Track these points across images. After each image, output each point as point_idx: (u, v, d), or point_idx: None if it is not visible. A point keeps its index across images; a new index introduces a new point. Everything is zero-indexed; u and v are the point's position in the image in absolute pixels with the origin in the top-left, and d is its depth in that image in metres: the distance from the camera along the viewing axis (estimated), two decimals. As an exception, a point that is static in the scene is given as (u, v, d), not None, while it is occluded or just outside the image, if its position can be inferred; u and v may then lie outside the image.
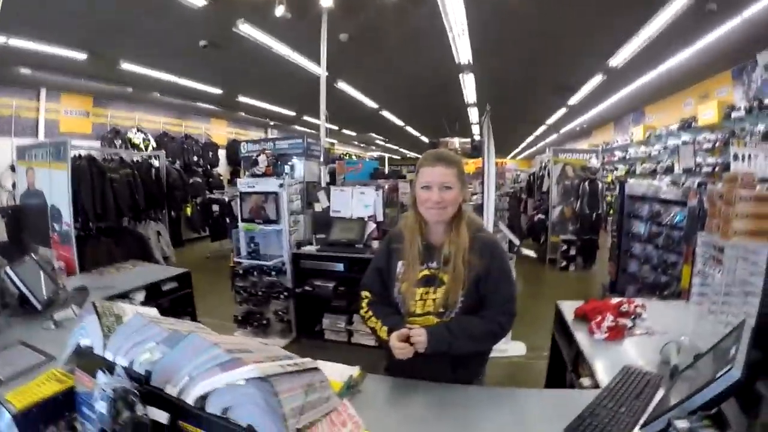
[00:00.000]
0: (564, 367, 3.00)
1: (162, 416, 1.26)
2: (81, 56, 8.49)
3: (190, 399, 1.22)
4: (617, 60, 8.98)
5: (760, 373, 1.59)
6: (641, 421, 1.60)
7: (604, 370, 2.20)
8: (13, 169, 8.72)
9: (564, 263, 10.27)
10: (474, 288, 2.11)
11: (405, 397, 1.96)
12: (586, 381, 2.34)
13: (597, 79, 10.73)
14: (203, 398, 1.21)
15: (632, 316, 2.78)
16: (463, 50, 8.23)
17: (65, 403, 1.67)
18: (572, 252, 10.27)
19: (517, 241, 5.92)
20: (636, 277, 7.07)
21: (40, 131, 10.61)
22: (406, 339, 2.00)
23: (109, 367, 1.39)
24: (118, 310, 1.72)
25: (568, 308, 3.07)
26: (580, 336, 2.67)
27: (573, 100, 13.38)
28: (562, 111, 15.33)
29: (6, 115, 9.89)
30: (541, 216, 11.30)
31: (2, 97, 9.73)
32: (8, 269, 3.01)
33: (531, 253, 6.91)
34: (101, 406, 1.28)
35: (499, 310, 2.11)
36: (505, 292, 2.15)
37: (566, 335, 2.94)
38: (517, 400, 1.95)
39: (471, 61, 8.92)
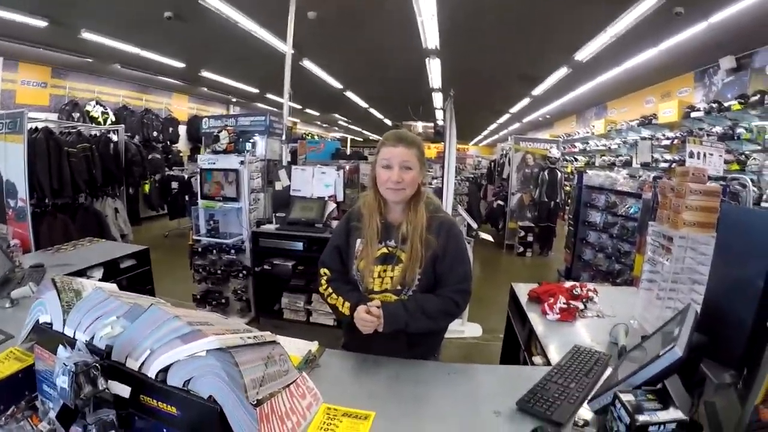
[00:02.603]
0: (518, 346, 3.09)
1: (124, 390, 1.27)
2: (41, 23, 8.23)
3: (151, 372, 1.24)
4: (583, 54, 9.06)
5: (702, 356, 1.69)
6: (590, 396, 1.67)
7: (555, 349, 2.28)
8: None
9: (521, 249, 10.45)
10: (430, 267, 2.15)
11: (363, 371, 1.99)
12: (538, 359, 2.41)
13: (562, 72, 10.83)
14: (164, 371, 1.23)
15: (584, 300, 2.86)
16: (431, 35, 8.21)
17: (25, 382, 1.66)
18: (529, 238, 10.46)
19: (475, 225, 5.99)
20: (590, 265, 7.25)
21: (-5, 101, 10.30)
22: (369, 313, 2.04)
23: (70, 342, 1.39)
24: (78, 286, 1.71)
25: (522, 290, 3.16)
26: (534, 317, 2.75)
27: (537, 91, 13.47)
28: (526, 101, 15.43)
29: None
30: (500, 202, 11.45)
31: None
32: (-38, 246, 2.96)
33: (488, 237, 7.00)
34: (63, 381, 1.28)
35: (455, 288, 2.15)
36: (461, 272, 2.18)
37: (520, 316, 3.02)
38: (472, 375, 2.01)
39: (438, 47, 8.91)
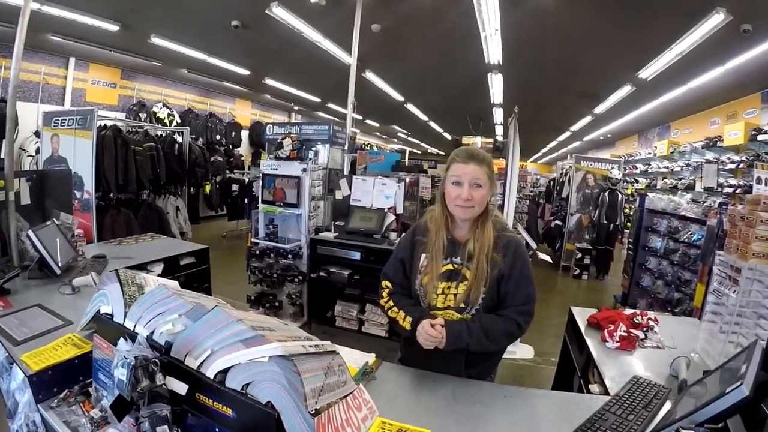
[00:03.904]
0: (572, 371, 3.03)
1: (180, 387, 1.28)
2: (113, 28, 8.51)
3: (209, 372, 1.25)
4: (647, 72, 8.87)
5: (765, 396, 1.60)
6: (648, 431, 1.61)
7: (613, 378, 2.21)
8: (37, 134, 8.80)
9: (577, 271, 10.20)
10: (495, 286, 2.13)
11: (418, 387, 1.97)
12: (595, 387, 2.35)
13: (625, 90, 10.62)
14: (223, 373, 1.23)
15: (644, 329, 2.77)
16: (493, 50, 8.17)
17: (81, 368, 1.72)
18: (586, 261, 10.20)
19: (534, 245, 5.91)
20: (648, 292, 7.04)
21: (67, 99, 10.67)
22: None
23: (131, 336, 1.41)
24: (141, 280, 1.75)
25: (581, 315, 3.07)
26: (592, 343, 2.68)
27: (599, 109, 13.26)
28: (588, 119, 15.18)
29: (34, 82, 9.95)
30: (558, 222, 11.24)
31: (31, 64, 9.77)
32: (30, 232, 3.06)
33: (547, 258, 6.87)
34: (121, 373, 1.30)
35: (518, 310, 2.12)
36: (525, 293, 2.14)
37: (578, 341, 2.95)
38: (529, 399, 1.96)
39: (501, 62, 8.86)
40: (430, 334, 2.00)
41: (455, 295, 2.14)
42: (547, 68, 9.94)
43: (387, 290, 2.30)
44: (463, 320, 2.10)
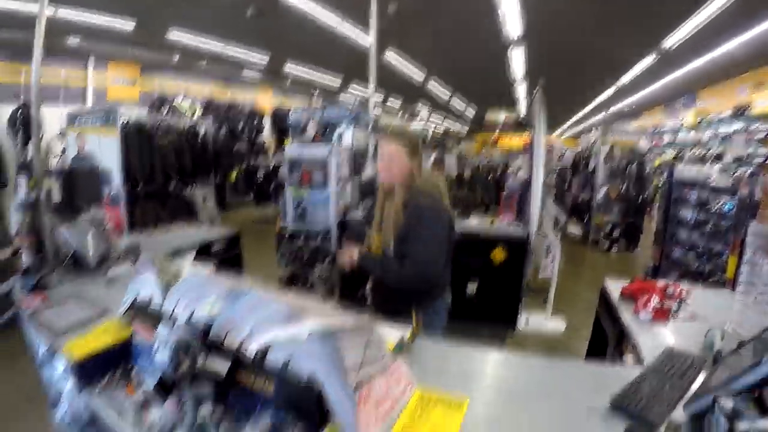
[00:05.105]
0: (604, 344, 3.02)
1: (222, 367, 1.30)
2: (129, 25, 8.57)
3: (250, 351, 1.26)
4: (671, 41, 8.73)
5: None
6: (683, 401, 1.60)
7: (647, 350, 2.19)
8: (62, 135, 8.92)
9: (607, 245, 10.10)
10: (398, 244, 2.59)
11: (455, 357, 1.98)
12: (629, 358, 2.34)
13: (649, 60, 10.46)
14: (264, 351, 1.24)
15: (677, 300, 2.75)
16: (513, 23, 8.08)
17: (121, 354, 1.74)
18: (616, 234, 10.10)
19: (563, 218, 5.86)
20: (679, 264, 6.93)
21: (88, 99, 10.83)
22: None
23: (171, 319, 1.43)
24: (176, 266, 1.77)
25: (614, 287, 3.06)
26: (626, 314, 2.66)
27: (623, 80, 13.08)
28: (612, 90, 14.99)
29: (55, 84, 10.08)
30: (585, 196, 11.14)
31: (52, 67, 9.89)
32: (63, 228, 3.12)
33: (577, 231, 6.82)
34: (163, 356, 1.33)
35: (410, 261, 2.51)
36: (414, 253, 2.51)
37: (611, 313, 2.94)
38: (564, 369, 1.97)
39: (521, 35, 8.77)
40: (339, 253, 2.76)
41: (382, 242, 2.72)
42: (568, 40, 9.83)
43: None
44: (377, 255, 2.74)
